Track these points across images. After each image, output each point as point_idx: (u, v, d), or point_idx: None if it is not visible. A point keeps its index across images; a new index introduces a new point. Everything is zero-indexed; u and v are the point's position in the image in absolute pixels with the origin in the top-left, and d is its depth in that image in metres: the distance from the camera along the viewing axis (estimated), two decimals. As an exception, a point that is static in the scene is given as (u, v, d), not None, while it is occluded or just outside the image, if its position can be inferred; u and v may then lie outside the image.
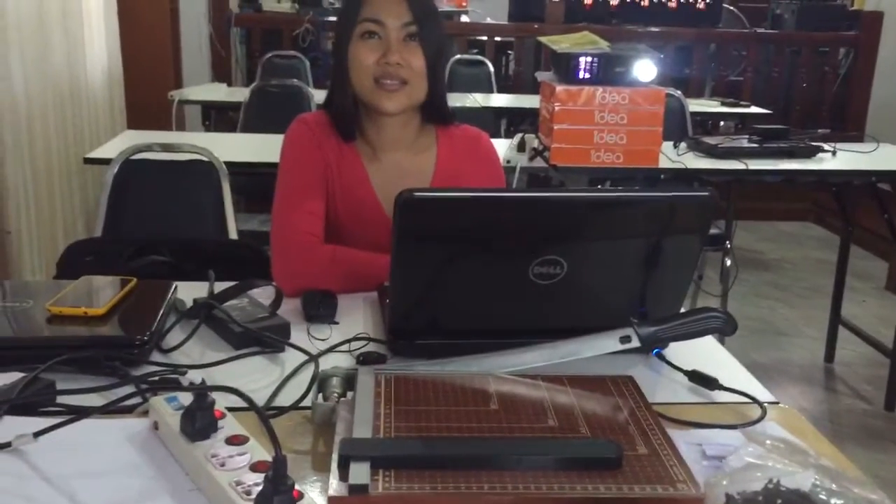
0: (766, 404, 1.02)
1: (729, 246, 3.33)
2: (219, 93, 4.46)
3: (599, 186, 2.92)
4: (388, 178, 1.49)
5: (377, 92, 1.43)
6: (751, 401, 1.04)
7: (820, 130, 4.08)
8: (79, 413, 0.88)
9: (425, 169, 1.52)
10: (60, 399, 0.95)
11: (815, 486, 0.54)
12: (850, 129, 5.14)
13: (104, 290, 1.23)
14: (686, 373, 1.09)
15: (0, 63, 2.77)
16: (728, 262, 3.25)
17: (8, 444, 0.84)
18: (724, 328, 1.08)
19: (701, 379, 1.07)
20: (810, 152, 2.91)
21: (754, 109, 4.52)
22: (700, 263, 3.89)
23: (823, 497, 0.53)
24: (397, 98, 1.44)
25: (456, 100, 4.08)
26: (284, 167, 1.49)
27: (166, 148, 2.27)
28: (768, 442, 0.58)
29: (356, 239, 1.46)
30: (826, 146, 2.96)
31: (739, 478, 0.56)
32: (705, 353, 1.18)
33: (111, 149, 2.53)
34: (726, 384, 1.07)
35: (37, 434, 0.84)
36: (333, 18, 4.73)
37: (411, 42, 1.43)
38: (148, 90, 4.29)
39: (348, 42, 1.45)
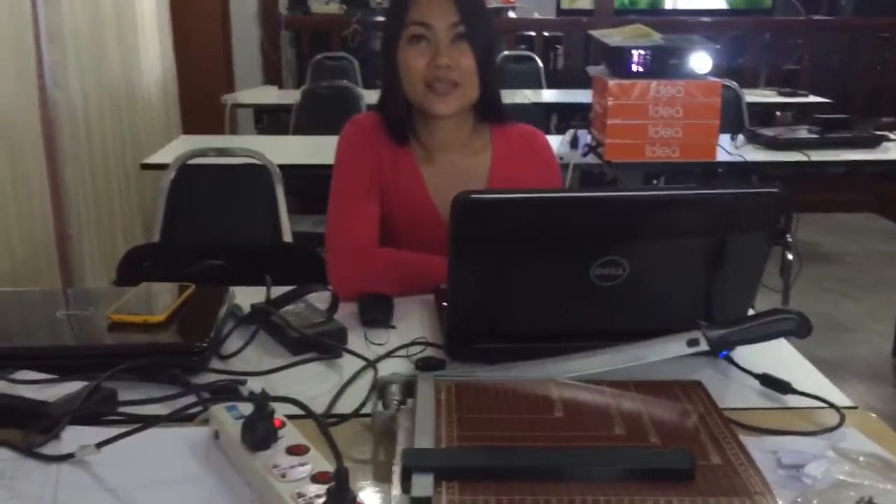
0: (843, 410, 0.98)
1: (790, 239, 3.24)
2: (270, 95, 4.50)
3: (655, 182, 2.86)
4: (443, 179, 1.47)
5: (429, 96, 1.41)
6: (827, 405, 0.99)
7: (883, 119, 3.94)
8: (141, 423, 0.88)
9: (481, 170, 1.50)
10: (123, 408, 0.95)
11: (912, 505, 0.51)
12: (914, 116, 4.97)
13: (163, 297, 1.23)
14: (757, 376, 1.05)
15: (58, 71, 2.82)
16: (789, 256, 3.16)
17: (72, 455, 0.84)
18: (799, 330, 1.04)
19: (773, 383, 1.03)
20: (874, 141, 2.82)
21: (812, 99, 4.40)
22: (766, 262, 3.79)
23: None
24: (449, 101, 1.42)
25: (505, 97, 4.04)
26: (339, 169, 1.48)
27: (221, 153, 2.29)
28: (861, 458, 0.55)
29: (412, 242, 1.44)
30: (890, 135, 2.86)
31: (831, 496, 0.53)
32: (775, 354, 1.13)
33: (167, 154, 2.56)
34: (799, 388, 1.02)
35: (100, 444, 0.84)
36: (381, 18, 4.74)
37: (460, 42, 1.40)
38: (201, 95, 4.35)
39: (397, 46, 1.43)
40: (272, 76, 5.21)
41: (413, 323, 1.25)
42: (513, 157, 1.51)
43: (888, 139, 2.84)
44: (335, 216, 1.44)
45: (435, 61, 1.39)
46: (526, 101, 4.15)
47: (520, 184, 1.47)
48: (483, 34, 1.43)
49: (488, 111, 1.50)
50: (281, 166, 2.25)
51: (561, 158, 2.65)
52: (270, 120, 4.35)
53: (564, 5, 5.87)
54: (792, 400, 1.02)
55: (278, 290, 1.26)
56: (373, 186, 1.45)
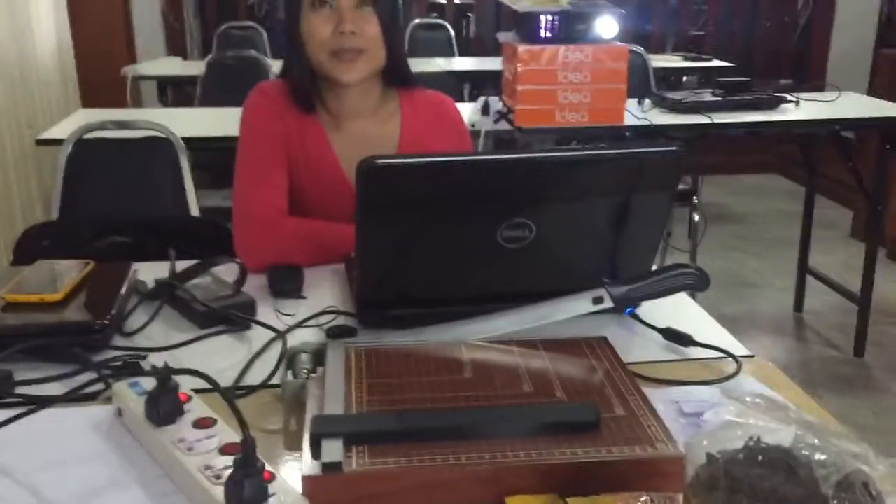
0: (741, 358, 1.02)
1: (696, 200, 3.34)
2: (174, 67, 4.36)
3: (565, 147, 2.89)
4: (351, 147, 1.46)
5: (334, 63, 1.39)
6: (725, 356, 1.03)
7: (782, 81, 4.09)
8: (39, 403, 0.85)
9: (390, 137, 1.49)
10: (19, 389, 0.92)
11: (797, 441, 0.53)
12: (812, 78, 5.17)
13: (61, 275, 1.19)
14: (660, 331, 1.08)
15: (-57, 44, 2.68)
16: (696, 217, 3.26)
17: (-36, 440, 0.81)
18: (698, 284, 1.07)
19: (675, 336, 1.07)
20: (774, 103, 2.92)
21: (717, 63, 4.52)
22: (668, 219, 3.90)
23: (806, 452, 0.52)
24: (355, 68, 1.39)
25: (417, 65, 4.04)
26: (244, 139, 1.45)
27: (121, 125, 2.20)
28: (748, 399, 0.57)
29: (322, 211, 1.42)
30: (789, 97, 2.97)
31: (720, 437, 0.55)
32: (678, 309, 1.17)
33: (64, 129, 2.46)
34: (700, 340, 1.06)
35: (-5, 427, 0.81)
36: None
37: (364, 8, 1.38)
38: (100, 67, 4.18)
39: (299, 13, 1.40)
40: (176, 47, 5.05)
41: (324, 293, 1.24)
42: (422, 124, 1.50)
43: (786, 101, 2.94)
44: (242, 185, 1.41)
45: (339, 28, 1.37)
46: (438, 69, 4.13)
47: (430, 148, 1.47)
48: (390, 2, 1.41)
49: (395, 76, 1.49)
50: (186, 139, 2.19)
51: (472, 126, 2.66)
52: (175, 92, 4.22)
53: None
54: (693, 352, 1.06)
55: (184, 265, 1.23)
56: (280, 155, 1.43)
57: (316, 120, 1.46)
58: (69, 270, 1.20)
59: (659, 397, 0.89)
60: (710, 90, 3.01)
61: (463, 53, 5.00)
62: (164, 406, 0.81)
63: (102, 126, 2.17)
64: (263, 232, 1.36)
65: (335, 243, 1.32)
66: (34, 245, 1.70)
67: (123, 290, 1.15)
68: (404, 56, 1.49)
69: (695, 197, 3.36)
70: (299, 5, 1.39)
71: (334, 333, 1.07)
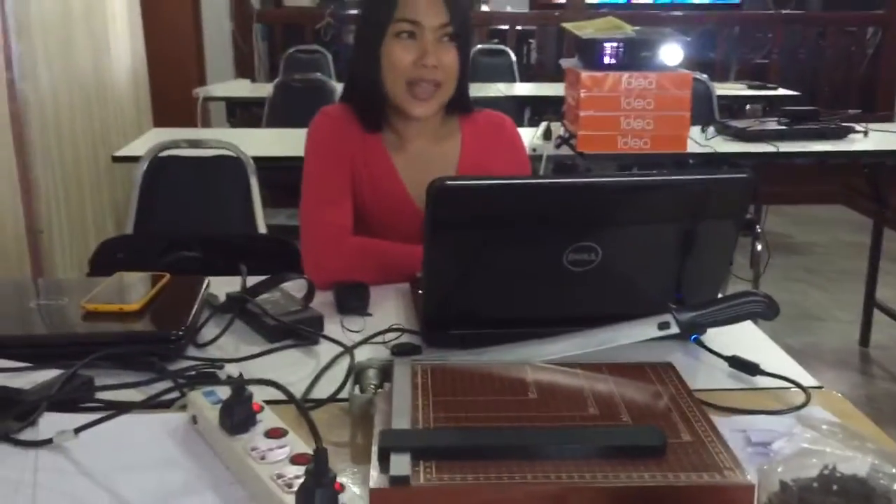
0: (809, 389, 1.00)
1: (759, 230, 3.29)
2: (243, 89, 4.48)
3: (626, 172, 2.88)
4: (413, 166, 1.49)
5: (408, 98, 1.42)
6: (794, 386, 1.02)
7: (850, 111, 4.01)
8: (118, 408, 0.88)
9: (450, 156, 1.51)
10: (99, 395, 0.95)
11: (873, 470, 0.53)
12: (881, 109, 5.06)
13: (137, 286, 1.23)
14: (726, 358, 1.07)
15: (26, 64, 2.79)
16: (759, 247, 3.21)
17: (49, 441, 0.85)
18: (766, 312, 1.06)
19: (742, 364, 1.05)
20: (841, 133, 2.87)
21: (781, 91, 4.46)
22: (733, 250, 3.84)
23: (884, 483, 0.51)
24: (429, 105, 1.43)
25: (478, 90, 4.05)
26: (310, 160, 1.49)
27: (193, 144, 2.28)
28: (824, 427, 0.57)
29: (385, 229, 1.45)
30: (857, 126, 2.91)
31: (794, 464, 0.55)
32: (744, 338, 1.16)
33: (138, 147, 2.54)
34: (767, 369, 1.05)
35: (77, 430, 0.84)
36: (354, 12, 4.72)
37: (447, 42, 1.41)
38: (173, 88, 4.31)
39: (381, 39, 1.42)
40: (244, 69, 5.18)
41: (389, 310, 1.26)
42: (481, 142, 1.53)
43: (854, 131, 2.89)
44: (308, 205, 1.45)
45: (422, 61, 1.39)
46: (499, 94, 4.16)
47: (489, 167, 1.49)
48: (467, 34, 1.45)
49: (457, 103, 1.52)
50: (254, 159, 2.25)
51: (534, 150, 2.67)
52: (243, 113, 4.33)
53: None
54: (760, 381, 1.04)
55: (253, 281, 1.27)
56: (344, 176, 1.46)
57: (379, 141, 1.49)
58: (146, 282, 1.24)
59: (726, 425, 0.88)
60: (776, 119, 2.97)
61: (524, 79, 5.03)
62: (238, 415, 0.84)
63: (176, 144, 2.24)
64: (329, 250, 1.39)
65: (399, 263, 1.34)
66: (109, 257, 1.76)
67: (197, 303, 1.19)
68: (468, 87, 1.52)
69: (758, 226, 3.31)
70: (383, 32, 1.42)
71: (399, 351, 1.09)
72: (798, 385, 1.01)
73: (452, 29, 1.40)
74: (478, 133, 1.54)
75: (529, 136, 2.82)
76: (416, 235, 1.42)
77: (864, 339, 3.39)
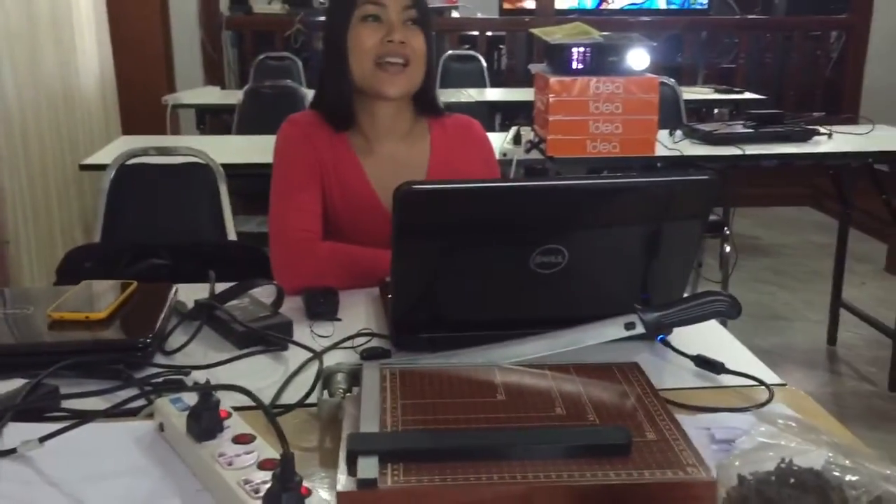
0: (773, 386, 1.02)
1: (728, 232, 3.33)
2: (212, 96, 4.45)
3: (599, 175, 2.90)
4: (383, 168, 1.49)
5: (378, 74, 1.43)
6: (758, 383, 1.03)
7: (815, 114, 4.07)
8: (83, 417, 0.88)
9: (420, 158, 1.52)
10: (65, 404, 0.95)
11: (828, 463, 0.54)
12: (845, 111, 5.15)
13: (104, 295, 1.23)
14: (691, 358, 1.09)
15: (-9, 72, 2.77)
16: (727, 249, 3.25)
17: (13, 451, 0.84)
18: (729, 311, 1.08)
19: (706, 363, 1.07)
20: (806, 135, 2.91)
21: (748, 95, 4.52)
22: (699, 250, 3.89)
23: (837, 474, 0.53)
24: (398, 82, 1.44)
25: (450, 95, 4.10)
26: (278, 167, 1.49)
27: (162, 151, 2.26)
28: (780, 421, 0.58)
29: (355, 232, 1.45)
30: (822, 129, 2.96)
31: (752, 458, 0.56)
32: (710, 337, 1.17)
33: (106, 155, 2.52)
34: (732, 368, 1.06)
35: (42, 439, 0.84)
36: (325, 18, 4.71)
37: (412, 25, 1.44)
38: (141, 95, 4.28)
39: (347, 26, 1.44)
40: (214, 77, 5.15)
41: (358, 315, 1.26)
42: (451, 145, 1.54)
43: (819, 133, 2.93)
44: (276, 211, 1.45)
45: (388, 37, 1.42)
46: (470, 99, 4.18)
47: (460, 170, 1.51)
48: (429, 23, 1.47)
49: (426, 104, 1.53)
50: (224, 166, 2.24)
51: (504, 155, 2.68)
52: (213, 121, 4.30)
53: (507, 6, 5.92)
54: (725, 379, 1.06)
55: (223, 287, 1.26)
56: (313, 181, 1.46)
57: (347, 144, 1.50)
58: (113, 290, 1.23)
59: (691, 424, 0.90)
60: (742, 122, 3.01)
61: (494, 84, 5.05)
62: (206, 421, 0.83)
63: (145, 152, 2.22)
64: (299, 255, 1.39)
65: (369, 267, 1.35)
66: (77, 266, 1.74)
67: (165, 310, 1.18)
68: (435, 85, 1.54)
69: (726, 228, 3.35)
70: (348, 18, 1.44)
71: (369, 355, 1.09)
72: (762, 382, 1.03)
73: (415, 13, 1.44)
74: (447, 135, 1.55)
75: (500, 140, 2.84)
76: (386, 237, 1.43)
77: (832, 339, 3.44)
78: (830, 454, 0.55)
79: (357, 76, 1.45)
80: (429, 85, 1.50)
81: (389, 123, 1.50)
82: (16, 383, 0.96)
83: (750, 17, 5.71)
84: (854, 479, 0.52)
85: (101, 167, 2.26)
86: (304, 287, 1.29)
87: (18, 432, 0.87)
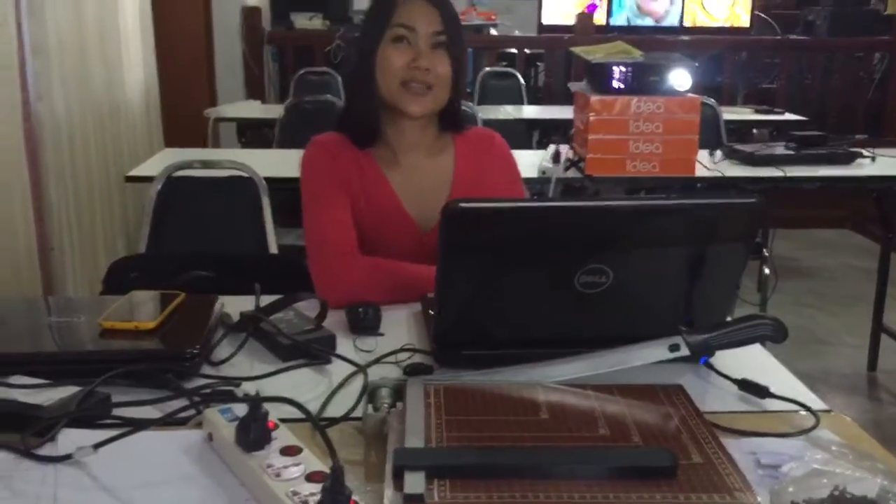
0: (818, 412, 1.01)
1: (767, 254, 3.30)
2: (253, 110, 4.51)
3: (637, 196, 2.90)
4: (409, 181, 1.52)
5: (404, 95, 1.47)
6: (803, 409, 1.03)
7: (857, 136, 4.03)
8: (136, 425, 0.90)
9: (445, 171, 1.55)
10: (116, 412, 0.97)
11: (883, 491, 0.54)
12: (888, 134, 5.07)
13: (152, 305, 1.25)
14: (736, 381, 1.08)
15: (42, 84, 2.83)
16: (766, 271, 3.21)
17: (69, 457, 0.86)
18: (775, 335, 1.07)
19: (751, 387, 1.06)
20: (849, 158, 2.88)
21: (789, 116, 4.48)
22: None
23: (893, 503, 0.52)
24: (423, 102, 1.47)
25: (487, 112, 4.11)
26: (307, 188, 1.53)
27: (207, 165, 2.30)
28: (834, 448, 0.57)
29: (384, 245, 1.47)
30: (864, 152, 2.93)
31: (805, 485, 0.56)
32: (753, 361, 1.16)
33: (151, 167, 2.57)
34: (777, 392, 1.06)
35: (96, 446, 0.86)
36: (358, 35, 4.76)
37: (439, 50, 1.47)
38: (184, 109, 4.35)
39: (377, 45, 1.48)
40: (255, 91, 5.23)
41: (401, 331, 1.27)
42: (474, 157, 1.57)
43: (861, 156, 2.90)
44: (313, 228, 1.48)
45: (415, 62, 1.45)
46: (507, 116, 4.19)
47: (483, 181, 1.54)
48: (460, 46, 1.50)
49: (450, 120, 1.56)
50: (265, 179, 2.27)
51: (543, 173, 2.69)
52: (253, 134, 4.36)
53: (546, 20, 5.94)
54: (769, 404, 1.05)
55: (266, 300, 1.28)
56: (343, 197, 1.49)
57: (372, 160, 1.53)
58: (160, 301, 1.26)
59: (735, 448, 0.89)
60: (783, 143, 2.99)
61: (532, 102, 5.06)
62: (254, 432, 0.85)
63: (190, 165, 2.27)
64: (341, 270, 1.41)
65: (410, 282, 1.36)
66: (122, 277, 1.78)
67: (211, 322, 1.21)
68: (461, 103, 1.57)
69: (765, 250, 3.32)
70: (379, 38, 1.48)
71: (412, 370, 1.10)
72: (807, 408, 1.02)
73: (445, 37, 1.47)
74: (470, 148, 1.58)
75: (538, 158, 2.84)
76: (414, 250, 1.47)
77: (872, 364, 3.38)
78: (885, 482, 0.55)
79: (384, 93, 1.49)
80: (455, 103, 1.54)
81: (415, 138, 1.53)
82: (69, 390, 0.98)
83: (791, 37, 5.66)
84: (910, 508, 0.52)
85: (147, 179, 2.30)
86: (346, 301, 1.31)
87: (73, 439, 0.89)
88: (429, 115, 1.51)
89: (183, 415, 0.95)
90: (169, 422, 0.93)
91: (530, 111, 4.66)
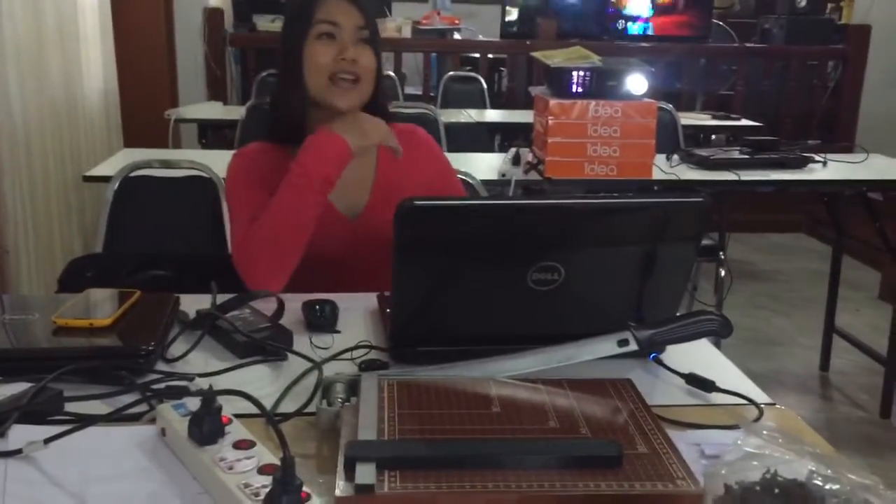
0: (762, 405, 1.04)
1: (723, 256, 3.36)
2: (215, 111, 4.48)
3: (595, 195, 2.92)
4: None
5: (331, 89, 1.51)
6: (747, 402, 1.06)
7: (810, 142, 4.12)
8: (87, 420, 0.90)
9: (368, 163, 1.60)
10: (69, 407, 0.96)
11: (811, 473, 0.56)
12: (840, 140, 5.19)
13: (108, 302, 1.25)
14: (683, 376, 1.11)
15: (-3, 83, 2.79)
16: (722, 273, 3.28)
17: (19, 451, 0.86)
18: (720, 330, 1.10)
19: (698, 381, 1.09)
20: (801, 163, 2.95)
21: (745, 122, 4.57)
22: (695, 274, 3.91)
23: (819, 483, 0.55)
24: (350, 96, 1.51)
25: (449, 115, 4.13)
26: (231, 198, 1.57)
27: (165, 164, 2.29)
28: (765, 432, 0.60)
29: (315, 236, 1.47)
30: (816, 157, 3.00)
31: (737, 468, 0.58)
32: (702, 357, 1.19)
33: (110, 166, 2.55)
34: (723, 387, 1.09)
35: (47, 440, 0.86)
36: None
37: (362, 44, 1.52)
38: (144, 109, 4.31)
39: (303, 44, 1.51)
40: (217, 92, 5.19)
41: (357, 328, 1.28)
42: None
43: (814, 161, 2.97)
44: (234, 235, 1.52)
45: (341, 55, 1.49)
46: (470, 120, 4.22)
47: (409, 175, 1.59)
48: (379, 42, 1.56)
49: (374, 114, 1.57)
50: (224, 179, 2.26)
51: (503, 175, 2.72)
52: (214, 135, 4.33)
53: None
54: (716, 398, 1.08)
55: (223, 299, 1.29)
56: (264, 201, 1.49)
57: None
58: (116, 298, 1.25)
59: (681, 439, 0.92)
60: (738, 148, 3.05)
61: (494, 106, 5.09)
62: (207, 426, 0.85)
63: (148, 164, 2.25)
64: (242, 255, 1.46)
65: (276, 220, 1.43)
66: (79, 276, 1.76)
67: (167, 319, 1.21)
68: (384, 98, 1.62)
69: (721, 253, 3.38)
70: (304, 36, 1.51)
71: (367, 366, 1.11)
72: (751, 401, 1.05)
73: (367, 33, 1.52)
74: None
75: (499, 161, 2.87)
76: (347, 238, 1.54)
77: (824, 365, 3.46)
78: (813, 465, 0.57)
79: (311, 90, 1.52)
80: (377, 97, 1.58)
81: None
82: (21, 387, 0.97)
83: (748, 45, 5.77)
84: (835, 487, 0.54)
85: (104, 179, 2.28)
86: (274, 276, 1.38)
87: (23, 434, 0.88)
88: (354, 109, 1.54)
89: (136, 410, 0.95)
90: (122, 417, 0.93)
91: (493, 115, 4.69)
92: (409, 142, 1.61)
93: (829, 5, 6.24)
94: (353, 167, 1.53)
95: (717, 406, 1.06)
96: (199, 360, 1.15)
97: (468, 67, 5.60)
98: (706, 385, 1.08)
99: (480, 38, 6.01)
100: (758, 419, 1.01)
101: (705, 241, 3.32)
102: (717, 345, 1.28)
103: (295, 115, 1.55)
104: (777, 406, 1.07)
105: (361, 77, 1.51)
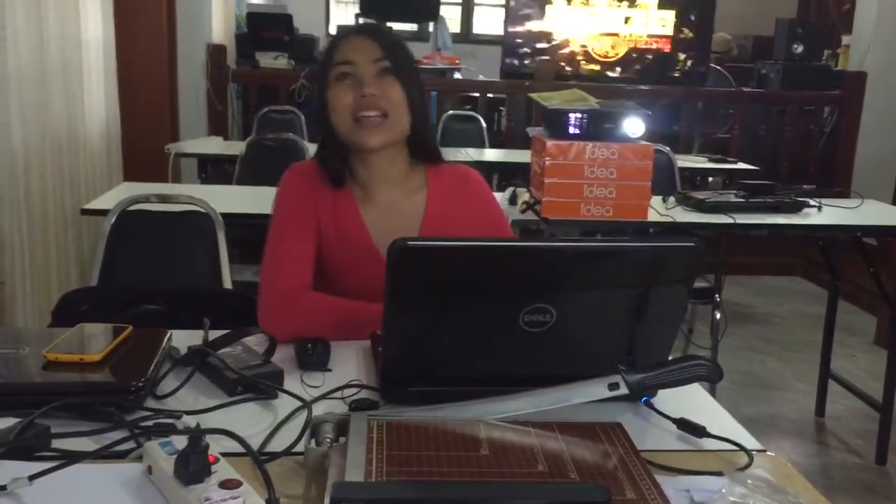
0: (753, 452, 1.04)
1: (718, 299, 3.36)
2: (215, 146, 4.52)
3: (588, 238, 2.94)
4: (381, 218, 1.54)
5: (357, 129, 1.48)
6: (738, 448, 1.05)
7: (805, 186, 4.14)
8: (73, 457, 0.89)
9: (417, 207, 1.56)
10: (56, 444, 0.96)
11: (795, 524, 0.56)
12: (836, 185, 5.22)
13: (100, 338, 1.24)
14: (674, 420, 1.10)
15: (-1, 115, 2.81)
16: (717, 316, 3.27)
17: (3, 488, 0.85)
18: (711, 376, 1.10)
19: (689, 427, 1.09)
20: (796, 207, 2.96)
21: (741, 165, 4.60)
22: (690, 317, 3.91)
23: (803, 534, 0.55)
24: (378, 133, 1.48)
25: (449, 154, 4.14)
26: (276, 214, 1.53)
27: (163, 199, 2.30)
28: (749, 482, 0.60)
29: (352, 279, 1.48)
30: (812, 201, 3.01)
31: (722, 517, 0.58)
32: (694, 401, 1.19)
33: (108, 200, 2.56)
34: (714, 432, 1.08)
35: (32, 477, 0.85)
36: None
37: (386, 76, 1.48)
38: (145, 143, 4.34)
39: (327, 88, 1.50)
40: (218, 128, 5.23)
41: (349, 367, 1.28)
42: (448, 195, 1.58)
43: (809, 205, 2.98)
44: (268, 259, 1.48)
45: (361, 92, 1.46)
46: (469, 159, 4.25)
47: (456, 219, 1.54)
48: (409, 68, 1.51)
49: (421, 149, 1.57)
50: (223, 215, 2.27)
51: (499, 215, 2.72)
52: (214, 170, 4.36)
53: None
54: (706, 443, 1.08)
55: (216, 335, 1.28)
56: (309, 230, 1.49)
57: (348, 194, 1.54)
58: (108, 334, 1.25)
59: (670, 485, 0.91)
60: (734, 191, 3.06)
61: (493, 145, 5.13)
62: (193, 465, 0.85)
63: (146, 198, 2.26)
64: (287, 305, 1.41)
65: (354, 320, 1.37)
66: (72, 309, 1.76)
67: (158, 355, 1.20)
68: (429, 129, 1.58)
69: (717, 295, 3.38)
70: (327, 80, 1.50)
71: (357, 406, 1.11)
72: (741, 447, 1.05)
73: (388, 63, 1.47)
74: (443, 185, 1.59)
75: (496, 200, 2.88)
76: (381, 284, 1.47)
77: (820, 410, 3.44)
78: (798, 516, 0.57)
79: (340, 133, 1.50)
80: (421, 130, 1.54)
81: (383, 171, 1.54)
82: (8, 422, 0.97)
83: (745, 89, 5.84)
84: (819, 539, 0.54)
85: (102, 212, 2.29)
86: (287, 337, 1.31)
87: (9, 470, 0.88)
88: (391, 146, 1.51)
89: (123, 447, 0.94)
90: (108, 455, 0.92)
91: (491, 154, 4.72)
92: (461, 185, 1.60)
93: (826, 52, 6.31)
94: (402, 212, 1.52)
95: (707, 452, 1.06)
96: (189, 397, 1.15)
97: (468, 106, 5.65)
98: (697, 430, 1.08)
99: (480, 77, 6.08)
100: (748, 465, 1.00)
101: (701, 284, 3.33)
102: (713, 388, 1.27)
103: (336, 156, 1.53)
104: (767, 452, 1.06)
105: (389, 111, 1.47)
